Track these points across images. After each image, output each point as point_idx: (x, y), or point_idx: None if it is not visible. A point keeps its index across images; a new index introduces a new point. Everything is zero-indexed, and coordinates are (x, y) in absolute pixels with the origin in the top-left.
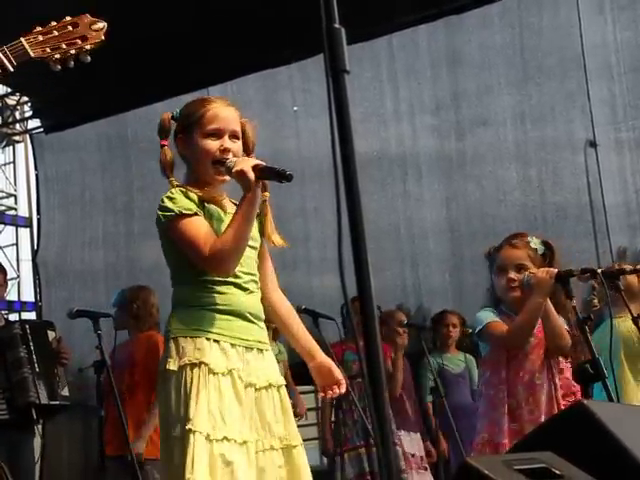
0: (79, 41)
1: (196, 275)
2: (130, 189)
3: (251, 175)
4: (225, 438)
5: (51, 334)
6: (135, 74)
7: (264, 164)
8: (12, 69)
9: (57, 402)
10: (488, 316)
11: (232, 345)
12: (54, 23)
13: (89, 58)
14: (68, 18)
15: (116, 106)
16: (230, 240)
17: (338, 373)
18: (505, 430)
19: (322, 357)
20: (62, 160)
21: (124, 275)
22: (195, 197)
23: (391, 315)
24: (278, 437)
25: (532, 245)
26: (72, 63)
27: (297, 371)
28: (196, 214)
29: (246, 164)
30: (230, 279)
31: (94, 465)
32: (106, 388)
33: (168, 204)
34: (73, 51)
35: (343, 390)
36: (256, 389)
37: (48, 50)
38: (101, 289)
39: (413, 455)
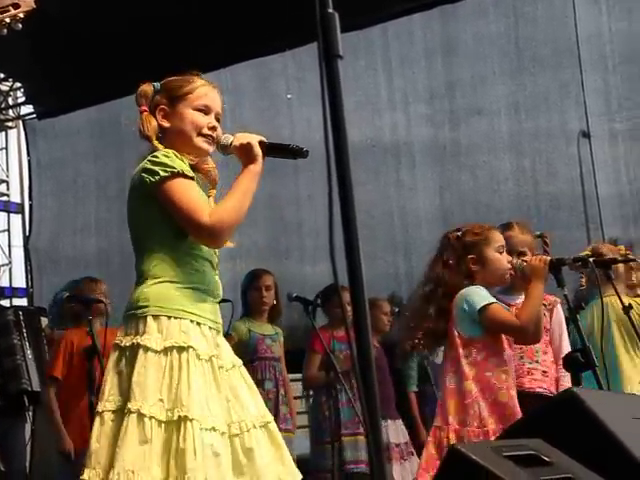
0: (11, 8)
1: (178, 247)
2: (122, 176)
3: (258, 149)
4: (213, 428)
5: (44, 320)
6: (128, 60)
7: (267, 141)
8: None
9: None
10: (486, 297)
11: (210, 328)
12: None
13: (20, 25)
14: None
15: (108, 93)
16: (232, 211)
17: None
18: (518, 413)
19: None
20: (55, 146)
21: (116, 261)
22: (187, 163)
23: (376, 304)
24: (254, 415)
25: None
26: (5, 31)
27: (287, 359)
28: (193, 178)
29: (251, 138)
30: (207, 256)
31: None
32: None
33: (165, 160)
34: (8, 19)
35: None
36: (225, 370)
37: None
38: (93, 275)
39: (397, 445)
